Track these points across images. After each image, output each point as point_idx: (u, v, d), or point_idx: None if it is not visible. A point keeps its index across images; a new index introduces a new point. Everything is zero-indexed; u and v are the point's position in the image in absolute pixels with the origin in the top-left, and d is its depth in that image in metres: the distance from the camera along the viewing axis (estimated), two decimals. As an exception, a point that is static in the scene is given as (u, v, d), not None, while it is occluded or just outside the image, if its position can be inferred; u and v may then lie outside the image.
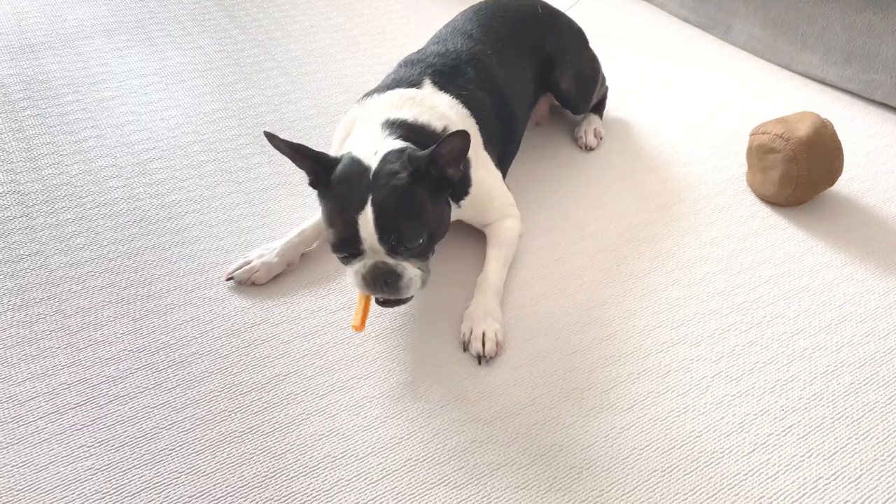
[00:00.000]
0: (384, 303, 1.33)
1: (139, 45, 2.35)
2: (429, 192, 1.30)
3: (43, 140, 1.88)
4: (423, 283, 1.32)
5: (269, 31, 2.48)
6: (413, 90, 1.51)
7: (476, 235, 1.60)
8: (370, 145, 1.33)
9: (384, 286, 1.27)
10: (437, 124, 1.44)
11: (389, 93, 1.51)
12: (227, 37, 2.43)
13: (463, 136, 1.24)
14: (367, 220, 1.23)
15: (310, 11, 2.63)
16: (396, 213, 1.25)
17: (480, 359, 1.35)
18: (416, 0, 2.75)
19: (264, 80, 2.19)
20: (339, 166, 1.30)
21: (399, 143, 1.34)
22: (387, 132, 1.39)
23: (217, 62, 2.28)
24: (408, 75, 1.58)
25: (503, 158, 1.67)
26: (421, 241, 1.28)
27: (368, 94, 1.54)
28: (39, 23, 2.42)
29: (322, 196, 1.33)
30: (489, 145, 1.57)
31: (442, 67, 1.59)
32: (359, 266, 1.28)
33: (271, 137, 1.27)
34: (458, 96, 1.53)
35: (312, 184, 1.33)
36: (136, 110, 2.03)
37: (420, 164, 1.27)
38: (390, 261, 1.27)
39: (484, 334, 1.36)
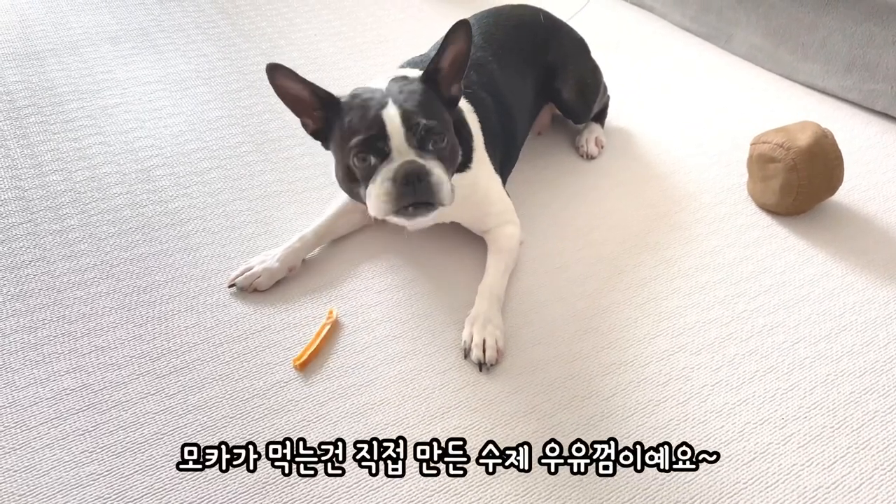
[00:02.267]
0: (410, 207, 1.30)
1: (144, 52, 2.37)
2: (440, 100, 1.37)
3: (47, 147, 1.89)
4: (452, 194, 1.33)
5: (272, 40, 2.49)
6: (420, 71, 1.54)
7: (476, 242, 1.60)
8: (377, 83, 1.41)
9: (416, 185, 1.27)
10: None
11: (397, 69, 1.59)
12: (230, 45, 2.45)
13: (464, 25, 1.34)
14: (391, 115, 1.28)
15: (313, 20, 2.65)
16: (419, 107, 1.31)
17: (481, 366, 1.36)
18: (419, 9, 2.76)
19: (268, 88, 2.16)
20: (348, 97, 1.37)
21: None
22: (393, 76, 1.45)
23: (221, 70, 2.30)
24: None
25: (503, 166, 1.68)
26: (446, 138, 1.33)
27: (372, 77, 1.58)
28: (45, 30, 2.44)
29: (332, 128, 1.37)
30: (490, 147, 1.58)
31: None
32: (385, 171, 1.28)
33: (273, 71, 1.35)
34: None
35: (315, 132, 1.40)
36: (141, 117, 2.04)
37: (429, 71, 1.35)
38: (419, 160, 1.29)
39: (484, 341, 1.37)
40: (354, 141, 1.29)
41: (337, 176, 1.41)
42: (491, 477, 1.18)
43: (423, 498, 1.15)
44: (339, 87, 2.19)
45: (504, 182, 1.67)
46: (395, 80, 1.39)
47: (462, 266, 1.58)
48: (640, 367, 1.37)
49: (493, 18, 1.82)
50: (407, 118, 1.28)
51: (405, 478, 1.17)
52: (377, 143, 1.28)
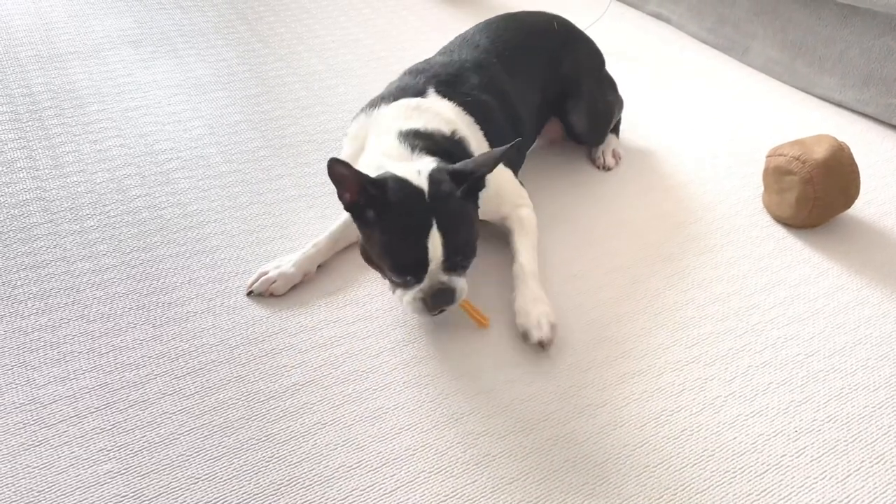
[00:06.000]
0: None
1: (164, 56, 2.39)
2: (472, 204, 1.40)
3: (69, 148, 1.92)
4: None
5: (290, 46, 2.51)
6: (418, 99, 1.56)
7: (494, 248, 1.61)
8: (406, 165, 1.38)
9: (440, 300, 1.35)
10: (446, 129, 1.50)
11: (395, 103, 1.56)
12: (250, 50, 2.47)
13: (513, 148, 1.35)
14: (435, 245, 1.30)
15: (331, 26, 2.67)
16: (461, 235, 1.33)
17: (543, 344, 1.39)
18: (437, 17, 2.78)
19: (286, 94, 2.23)
20: (388, 187, 1.31)
21: (430, 160, 1.40)
22: (408, 147, 1.44)
23: (240, 75, 2.32)
24: (412, 84, 1.62)
25: (513, 164, 1.69)
26: (474, 252, 1.39)
27: (374, 105, 1.59)
28: (67, 33, 2.47)
29: (372, 220, 1.33)
30: (497, 144, 1.58)
31: (446, 77, 1.63)
32: (416, 290, 1.34)
33: (334, 165, 1.27)
34: (462, 103, 1.58)
35: (353, 207, 1.34)
36: (160, 120, 2.06)
37: (470, 181, 1.35)
38: (444, 278, 1.34)
39: (539, 321, 1.40)
40: (394, 262, 1.34)
41: (362, 251, 1.42)
42: (504, 483, 1.18)
43: (435, 503, 1.15)
44: (357, 94, 2.22)
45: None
46: (434, 177, 1.33)
47: (479, 272, 1.58)
48: (654, 377, 1.38)
49: (504, 22, 1.85)
50: (448, 249, 1.31)
51: (417, 482, 1.18)
52: (419, 268, 1.32)
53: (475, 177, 1.35)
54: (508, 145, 1.37)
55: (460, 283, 1.37)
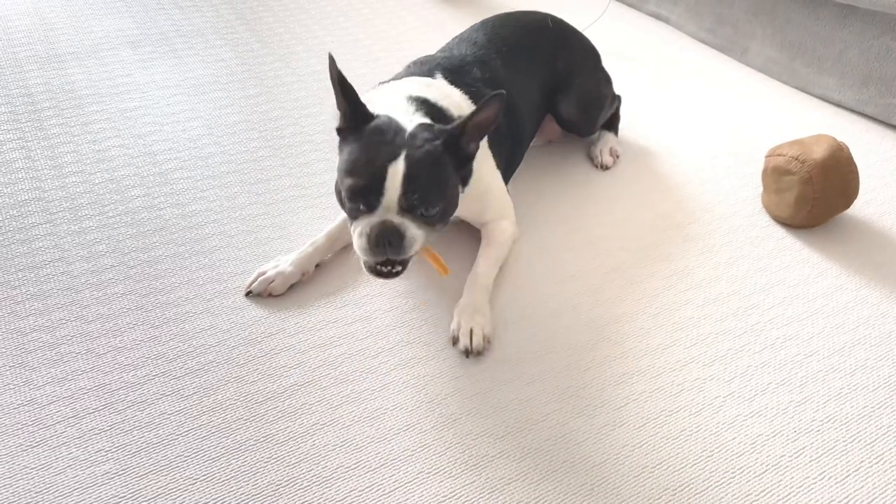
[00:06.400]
0: (380, 273, 1.35)
1: (163, 56, 2.39)
2: (453, 165, 1.37)
3: (67, 149, 1.92)
4: (418, 245, 1.34)
5: (289, 46, 2.51)
6: (428, 79, 1.58)
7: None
8: (404, 114, 1.40)
9: (388, 246, 1.29)
10: (454, 112, 1.50)
11: (407, 78, 1.58)
12: (248, 50, 2.47)
13: (500, 99, 1.31)
14: (396, 172, 1.27)
15: (330, 27, 2.67)
16: (426, 174, 1.30)
17: (468, 353, 1.38)
18: (435, 17, 2.78)
19: (285, 94, 2.22)
20: (376, 119, 1.36)
21: (428, 120, 1.41)
22: (414, 107, 1.44)
23: (239, 75, 2.32)
24: (419, 71, 1.63)
25: (508, 165, 1.69)
26: (438, 209, 1.33)
27: (383, 83, 1.59)
28: (66, 34, 2.47)
29: (349, 141, 1.36)
30: (494, 146, 1.60)
31: (451, 67, 1.64)
32: (364, 223, 1.30)
33: (333, 63, 1.33)
34: (467, 92, 1.58)
35: (341, 129, 1.39)
36: (159, 121, 2.06)
37: (454, 133, 1.34)
38: (396, 219, 1.29)
39: (472, 330, 1.39)
40: (350, 182, 1.31)
41: (335, 186, 1.42)
42: (502, 484, 1.18)
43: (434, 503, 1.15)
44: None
45: (506, 181, 1.68)
46: (421, 126, 1.36)
47: (468, 268, 1.58)
48: (653, 378, 1.38)
49: (500, 20, 1.86)
50: (408, 182, 1.27)
51: (416, 483, 1.18)
52: (373, 193, 1.29)
53: (459, 128, 1.34)
54: (494, 93, 1.32)
55: (414, 230, 1.30)
